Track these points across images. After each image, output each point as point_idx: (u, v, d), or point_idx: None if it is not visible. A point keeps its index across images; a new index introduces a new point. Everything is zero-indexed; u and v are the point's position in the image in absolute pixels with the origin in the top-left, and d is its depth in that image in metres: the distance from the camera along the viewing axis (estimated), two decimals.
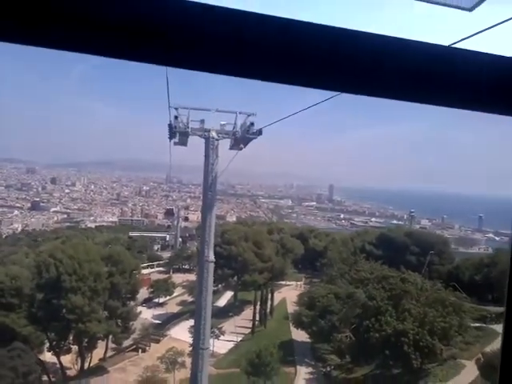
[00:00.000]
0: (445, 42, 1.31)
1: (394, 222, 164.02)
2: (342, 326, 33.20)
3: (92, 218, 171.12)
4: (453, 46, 1.11)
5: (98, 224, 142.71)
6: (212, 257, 23.20)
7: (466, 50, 1.08)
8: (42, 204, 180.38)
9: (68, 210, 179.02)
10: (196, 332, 22.69)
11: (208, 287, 22.95)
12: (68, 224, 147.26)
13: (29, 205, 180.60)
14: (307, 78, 1.04)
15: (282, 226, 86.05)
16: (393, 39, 1.03)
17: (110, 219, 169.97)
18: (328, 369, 32.92)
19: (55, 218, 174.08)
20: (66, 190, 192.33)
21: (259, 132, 22.01)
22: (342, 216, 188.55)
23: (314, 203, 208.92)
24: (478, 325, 35.44)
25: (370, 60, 1.01)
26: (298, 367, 34.18)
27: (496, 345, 29.52)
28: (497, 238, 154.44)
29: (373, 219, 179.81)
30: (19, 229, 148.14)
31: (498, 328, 34.91)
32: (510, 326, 1.07)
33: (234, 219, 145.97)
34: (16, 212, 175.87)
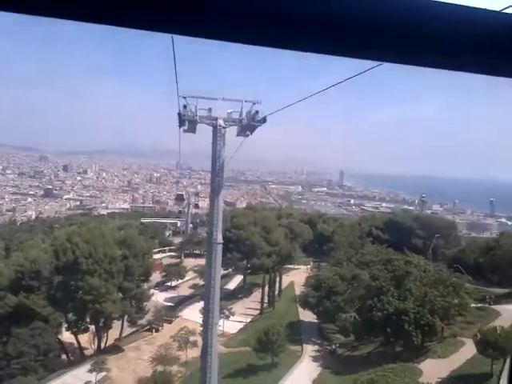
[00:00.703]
0: None
1: (405, 207, 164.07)
2: (346, 306, 34.68)
3: (104, 204, 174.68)
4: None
5: (109, 211, 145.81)
6: (220, 239, 24.59)
7: (462, 5, 1.03)
8: (54, 191, 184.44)
9: (80, 197, 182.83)
10: (206, 308, 24.33)
11: (217, 267, 24.42)
12: (81, 211, 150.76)
13: (42, 192, 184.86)
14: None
15: (291, 211, 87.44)
16: None
17: (122, 206, 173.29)
18: (333, 347, 34.48)
19: (68, 205, 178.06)
20: (78, 178, 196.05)
21: (264, 120, 23.10)
22: (352, 201, 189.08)
23: (325, 189, 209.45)
24: (479, 305, 36.58)
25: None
26: (305, 345, 35.80)
27: (496, 323, 30.62)
28: (509, 223, 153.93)
29: (383, 204, 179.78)
30: (33, 216, 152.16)
31: (499, 308, 36.05)
32: None
33: (244, 205, 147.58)
34: (29, 199, 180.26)
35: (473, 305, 36.52)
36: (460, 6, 1.02)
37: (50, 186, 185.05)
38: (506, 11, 1.07)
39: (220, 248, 25.01)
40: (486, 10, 1.04)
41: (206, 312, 24.59)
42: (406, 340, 29.53)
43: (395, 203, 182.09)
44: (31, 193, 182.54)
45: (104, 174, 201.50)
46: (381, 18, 0.98)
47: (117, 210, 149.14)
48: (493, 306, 37.02)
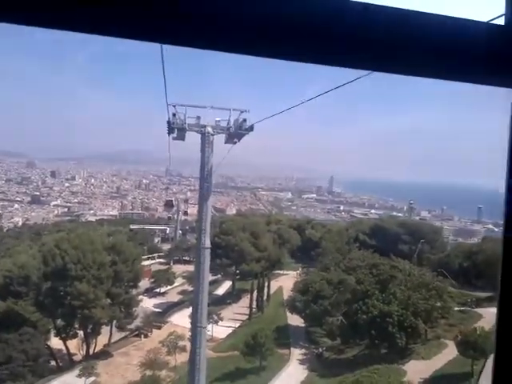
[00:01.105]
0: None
1: (394, 213, 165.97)
2: (333, 309, 35.48)
3: (92, 211, 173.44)
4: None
5: (98, 217, 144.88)
6: (208, 243, 25.26)
7: (453, 17, 1.06)
8: (42, 198, 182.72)
9: (68, 204, 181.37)
10: (194, 311, 24.93)
11: (205, 271, 25.08)
12: (69, 218, 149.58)
13: (29, 198, 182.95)
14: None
15: (280, 217, 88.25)
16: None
17: (111, 213, 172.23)
18: (320, 350, 35.24)
19: (55, 212, 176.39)
20: (66, 184, 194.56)
21: (251, 128, 23.99)
22: (341, 208, 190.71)
23: (314, 195, 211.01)
24: (462, 308, 37.72)
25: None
26: (293, 349, 36.48)
27: (478, 325, 31.66)
28: (496, 229, 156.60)
29: (372, 211, 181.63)
30: (20, 223, 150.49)
31: (482, 311, 37.16)
32: (504, 317, 1.12)
33: (234, 212, 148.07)
34: (16, 206, 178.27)
35: (456, 308, 37.72)
36: (446, 16, 1.06)
37: (38, 193, 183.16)
38: (495, 21, 1.12)
39: (208, 252, 25.68)
40: (470, 20, 1.07)
41: (195, 315, 25.19)
42: (390, 342, 30.42)
43: (384, 209, 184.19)
44: (18, 199, 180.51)
45: (92, 181, 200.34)
46: (368, 28, 1.01)
47: (105, 217, 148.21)
48: (476, 309, 38.14)
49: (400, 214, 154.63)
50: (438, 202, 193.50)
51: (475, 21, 1.07)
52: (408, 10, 1.04)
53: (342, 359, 33.81)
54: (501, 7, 1.12)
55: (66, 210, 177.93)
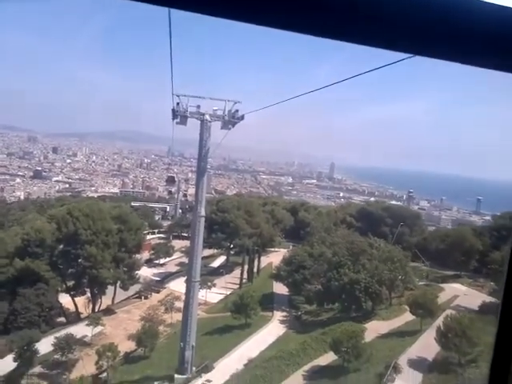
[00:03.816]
0: None
1: (393, 202, 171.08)
2: (312, 278, 41.28)
3: (93, 188, 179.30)
4: None
5: (99, 194, 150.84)
6: (203, 212, 30.94)
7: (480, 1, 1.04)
8: (44, 173, 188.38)
9: (70, 180, 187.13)
10: (189, 267, 30.78)
11: (200, 235, 30.84)
12: (70, 193, 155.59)
13: (31, 173, 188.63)
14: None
15: (276, 200, 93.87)
16: None
17: (111, 190, 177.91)
18: (299, 313, 41.19)
19: (57, 187, 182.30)
20: (68, 160, 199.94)
21: (242, 117, 29.47)
22: (341, 194, 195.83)
23: (315, 181, 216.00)
24: (428, 283, 43.57)
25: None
26: (275, 312, 42.40)
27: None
28: (492, 220, 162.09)
29: (372, 199, 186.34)
30: (22, 196, 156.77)
31: (445, 286, 43.07)
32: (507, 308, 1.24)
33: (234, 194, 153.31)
34: (18, 180, 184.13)
35: (423, 282, 43.67)
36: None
37: (40, 168, 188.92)
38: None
39: (203, 220, 31.46)
40: (486, 3, 1.07)
41: (189, 270, 31.08)
42: (357, 305, 36.28)
43: (384, 198, 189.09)
44: (20, 174, 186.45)
45: (94, 158, 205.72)
46: (387, 8, 1.02)
47: (107, 194, 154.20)
48: (441, 284, 43.97)
49: (399, 203, 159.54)
50: (439, 192, 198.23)
51: (491, 3, 1.08)
52: None
53: (317, 321, 39.68)
54: None
55: (67, 185, 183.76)
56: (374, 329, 33.54)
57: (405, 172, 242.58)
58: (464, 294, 39.69)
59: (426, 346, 28.56)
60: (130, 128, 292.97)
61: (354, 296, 35.67)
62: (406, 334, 32.02)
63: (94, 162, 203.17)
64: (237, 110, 29.33)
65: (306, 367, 28.92)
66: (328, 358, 29.36)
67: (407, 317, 35.25)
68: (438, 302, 33.34)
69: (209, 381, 29.37)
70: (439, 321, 29.95)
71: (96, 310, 46.28)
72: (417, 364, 27.32)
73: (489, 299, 35.23)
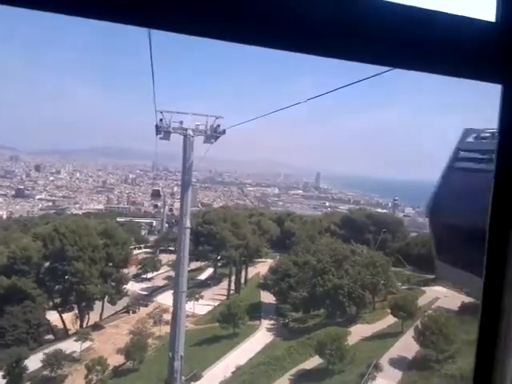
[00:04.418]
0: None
1: (379, 210, 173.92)
2: (297, 286, 42.48)
3: (78, 205, 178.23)
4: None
5: (84, 211, 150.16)
6: (188, 224, 31.98)
7: (447, 13, 1.09)
8: (26, 191, 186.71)
9: (53, 198, 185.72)
10: (176, 278, 31.69)
11: (185, 246, 31.83)
12: (54, 211, 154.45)
13: (13, 192, 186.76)
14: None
15: (263, 211, 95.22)
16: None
17: (96, 207, 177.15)
18: (286, 321, 42.25)
19: (40, 206, 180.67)
20: (51, 178, 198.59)
21: (223, 132, 30.88)
22: (327, 204, 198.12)
23: (301, 191, 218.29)
24: (410, 286, 45.15)
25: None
26: (263, 320, 43.38)
27: (420, 299, 39.03)
28: None
29: (357, 207, 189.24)
30: (4, 216, 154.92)
31: (426, 289, 44.67)
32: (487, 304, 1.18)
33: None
34: (0, 199, 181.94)
35: (405, 286, 45.25)
36: (442, 12, 1.11)
37: (22, 186, 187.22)
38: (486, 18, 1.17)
39: (188, 231, 32.49)
40: (462, 17, 1.12)
41: (176, 281, 31.96)
42: (341, 310, 37.55)
43: (369, 206, 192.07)
44: (2, 193, 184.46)
45: (78, 175, 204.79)
46: (366, 21, 1.05)
47: (91, 211, 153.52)
48: (423, 288, 45.58)
49: (385, 211, 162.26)
50: (424, 200, 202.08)
51: (467, 17, 1.13)
52: (402, 5, 1.09)
53: (303, 327, 40.76)
54: (492, 4, 1.19)
55: (50, 203, 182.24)
56: (358, 332, 34.77)
57: (390, 180, 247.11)
58: (444, 296, 41.30)
59: (406, 345, 29.90)
60: (113, 144, 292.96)
61: (338, 301, 36.95)
62: (388, 336, 33.35)
63: (77, 178, 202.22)
64: (218, 125, 30.71)
65: (292, 371, 29.94)
66: (313, 362, 30.45)
67: (390, 320, 36.60)
68: (418, 304, 34.83)
69: None
70: (419, 321, 31.38)
71: (84, 326, 46.53)
72: (397, 363, 28.62)
73: (467, 300, 36.79)
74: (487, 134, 3.70)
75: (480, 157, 3.58)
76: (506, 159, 1.17)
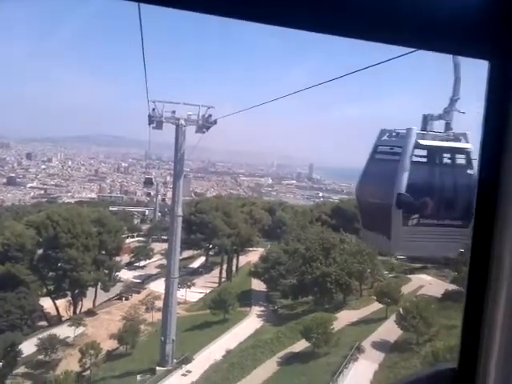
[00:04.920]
0: None
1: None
2: (287, 273, 43.75)
3: (70, 194, 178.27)
4: None
5: (76, 200, 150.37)
6: (180, 212, 33.05)
7: None
8: (17, 179, 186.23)
9: (45, 186, 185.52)
10: (167, 264, 32.80)
11: (177, 234, 32.92)
12: (45, 199, 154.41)
13: (4, 180, 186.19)
14: None
15: (255, 201, 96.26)
16: None
17: (89, 195, 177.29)
18: (275, 307, 43.60)
19: (32, 194, 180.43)
20: (43, 166, 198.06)
21: (215, 122, 31.77)
22: (320, 194, 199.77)
23: (294, 181, 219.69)
24: (397, 274, 46.64)
25: None
26: (253, 307, 44.69)
27: (405, 286, 40.47)
28: None
29: (351, 197, 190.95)
30: None
31: (412, 277, 46.16)
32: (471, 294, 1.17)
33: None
34: None
35: (392, 275, 46.74)
36: None
37: (13, 174, 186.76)
38: None
39: (180, 219, 33.52)
40: None
41: (168, 267, 33.09)
42: (329, 297, 38.90)
43: None
44: None
45: (70, 163, 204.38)
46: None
47: (83, 199, 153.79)
48: (409, 276, 47.09)
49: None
50: None
51: None
52: None
53: (292, 313, 42.09)
54: None
55: (42, 192, 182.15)
56: (345, 318, 36.19)
57: None
58: (429, 284, 42.82)
59: (389, 329, 31.34)
60: (105, 132, 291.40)
61: (325, 288, 38.26)
62: (373, 321, 34.78)
63: (69, 167, 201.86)
64: (210, 115, 31.58)
65: (280, 354, 31.27)
66: (301, 345, 31.78)
67: (375, 306, 37.99)
68: (402, 290, 36.25)
69: (189, 371, 31.38)
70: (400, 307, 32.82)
71: (77, 312, 47.57)
72: (379, 345, 30.05)
73: (451, 287, 38.36)
74: (394, 134, 4.78)
75: (389, 151, 4.70)
76: (490, 137, 1.15)
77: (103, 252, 46.69)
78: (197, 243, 59.91)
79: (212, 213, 60.15)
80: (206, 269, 60.76)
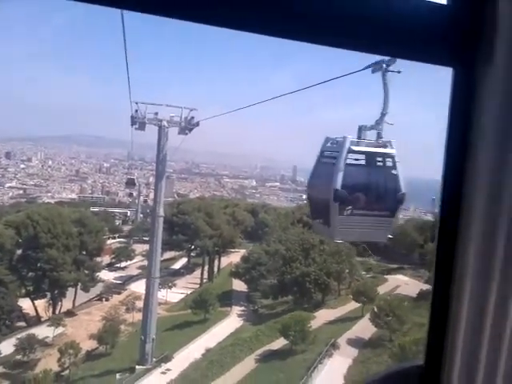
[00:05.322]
0: None
1: None
2: (268, 274, 44.72)
3: (50, 194, 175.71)
4: None
5: (56, 200, 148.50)
6: (162, 212, 33.66)
7: None
8: None
9: (24, 186, 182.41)
10: (149, 265, 33.37)
11: (159, 234, 33.52)
12: (25, 199, 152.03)
13: None
14: None
15: (238, 202, 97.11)
16: None
17: (69, 196, 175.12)
18: (256, 307, 44.48)
19: (10, 194, 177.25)
20: (22, 165, 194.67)
21: (197, 124, 32.55)
22: (304, 197, 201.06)
23: (278, 184, 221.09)
24: (375, 275, 48.09)
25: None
26: (234, 307, 45.49)
27: (381, 286, 41.84)
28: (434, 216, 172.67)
29: None
30: None
31: (389, 277, 47.64)
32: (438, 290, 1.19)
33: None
34: None
35: (370, 275, 48.16)
36: None
37: None
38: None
39: (161, 219, 34.13)
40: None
41: (149, 267, 33.66)
42: (308, 296, 39.98)
43: None
44: None
45: (50, 163, 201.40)
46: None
47: (64, 200, 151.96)
48: (386, 276, 48.59)
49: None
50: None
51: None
52: None
53: (272, 313, 43.03)
54: None
55: (21, 192, 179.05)
56: (323, 316, 37.32)
57: None
58: (405, 284, 44.33)
59: (364, 327, 32.62)
60: (87, 132, 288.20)
61: (305, 288, 39.33)
62: (349, 320, 36.02)
63: (49, 166, 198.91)
64: (192, 117, 32.36)
65: (259, 351, 32.15)
66: (279, 343, 32.75)
67: (352, 305, 39.26)
68: (378, 290, 37.61)
69: (168, 369, 31.98)
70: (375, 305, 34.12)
71: (57, 313, 47.57)
72: (354, 342, 31.30)
73: (425, 287, 39.83)
74: (335, 141, 5.88)
75: (330, 155, 5.79)
76: (454, 142, 1.16)
77: (84, 252, 46.82)
78: (179, 244, 60.40)
79: (194, 214, 60.74)
80: (187, 270, 61.28)
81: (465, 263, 1.09)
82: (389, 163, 6.11)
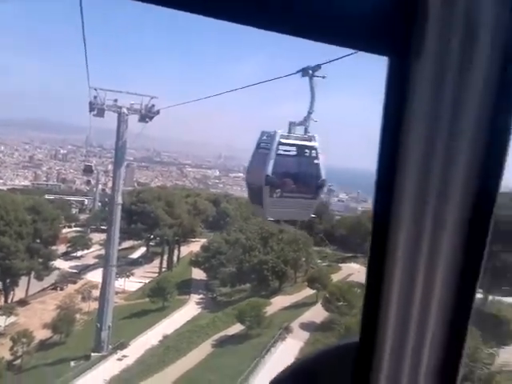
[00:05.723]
0: None
1: None
2: (227, 263, 45.72)
3: (1, 181, 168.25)
4: None
5: (8, 187, 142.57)
6: (120, 200, 33.75)
7: None
8: None
9: None
10: (106, 253, 33.50)
11: (117, 222, 33.65)
12: None
13: None
14: None
15: (199, 192, 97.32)
16: None
17: (22, 183, 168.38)
18: (214, 295, 45.45)
19: None
20: None
21: (158, 112, 32.77)
22: None
23: (242, 174, 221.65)
24: (330, 263, 50.23)
25: None
26: (192, 295, 46.26)
27: (335, 274, 43.85)
28: None
29: None
30: None
31: (343, 266, 49.88)
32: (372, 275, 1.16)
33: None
34: None
35: (325, 264, 50.24)
36: None
37: None
38: None
39: (119, 208, 34.25)
40: None
41: (106, 255, 33.81)
42: (265, 284, 41.37)
43: None
44: None
45: (2, 148, 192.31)
46: None
47: (17, 187, 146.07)
48: (340, 264, 50.83)
49: (322, 195, 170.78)
50: (358, 186, 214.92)
51: None
52: None
53: (231, 300, 44.11)
54: None
55: None
56: (279, 303, 38.81)
57: (328, 168, 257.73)
58: (358, 272, 46.48)
59: (317, 312, 34.40)
60: (41, 116, 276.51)
61: (262, 276, 40.68)
62: (304, 305, 37.74)
63: (1, 152, 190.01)
64: (153, 105, 32.54)
65: (215, 337, 33.22)
66: (235, 329, 33.93)
67: (308, 292, 41.02)
68: (332, 277, 39.55)
69: (125, 356, 32.41)
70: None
71: (9, 302, 46.56)
72: (306, 326, 33.05)
73: None
74: (269, 135, 6.87)
75: (265, 146, 6.77)
76: (388, 134, 1.12)
77: (38, 241, 45.94)
78: (137, 233, 60.19)
79: (154, 203, 60.61)
80: (146, 259, 61.25)
81: (397, 243, 1.12)
82: (313, 154, 7.24)
